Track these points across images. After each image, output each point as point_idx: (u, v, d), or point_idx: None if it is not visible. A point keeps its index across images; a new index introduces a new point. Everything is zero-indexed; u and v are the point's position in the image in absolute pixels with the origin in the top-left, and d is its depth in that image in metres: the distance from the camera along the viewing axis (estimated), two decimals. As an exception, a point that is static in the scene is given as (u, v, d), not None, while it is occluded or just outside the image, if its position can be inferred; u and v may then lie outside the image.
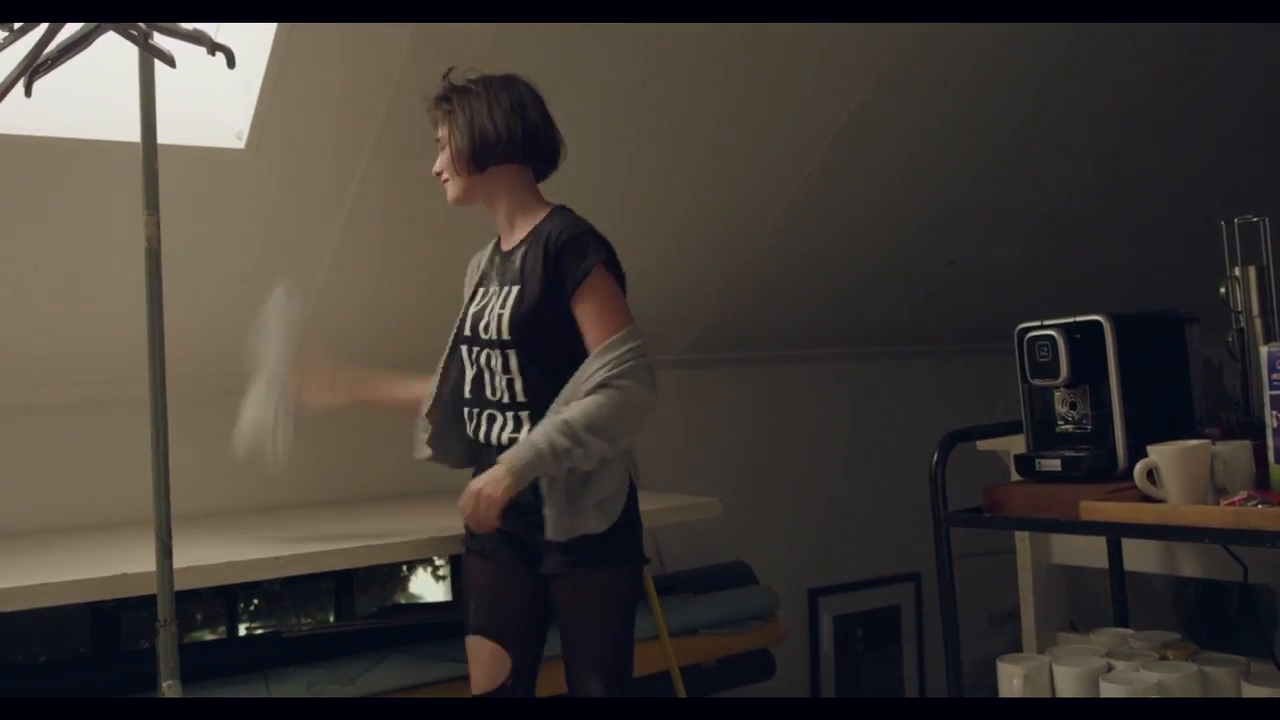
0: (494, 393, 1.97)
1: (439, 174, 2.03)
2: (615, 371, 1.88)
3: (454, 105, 1.99)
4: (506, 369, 1.95)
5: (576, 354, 1.91)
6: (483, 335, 1.96)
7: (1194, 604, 3.41)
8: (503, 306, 1.95)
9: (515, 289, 1.95)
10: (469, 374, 2.01)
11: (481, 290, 2.03)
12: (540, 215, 2.00)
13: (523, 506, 1.92)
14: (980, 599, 3.64)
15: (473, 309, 2.01)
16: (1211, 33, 2.93)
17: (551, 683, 2.06)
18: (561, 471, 1.88)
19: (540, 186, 2.07)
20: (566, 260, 1.92)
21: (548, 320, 1.92)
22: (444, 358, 2.06)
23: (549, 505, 1.90)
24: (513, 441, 1.92)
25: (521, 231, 2.01)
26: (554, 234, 1.94)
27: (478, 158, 1.97)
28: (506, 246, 2.03)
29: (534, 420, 1.92)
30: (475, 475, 1.96)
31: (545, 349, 1.93)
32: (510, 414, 1.95)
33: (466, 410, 2.02)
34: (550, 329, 1.92)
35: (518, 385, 1.94)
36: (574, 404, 1.88)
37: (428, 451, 2.10)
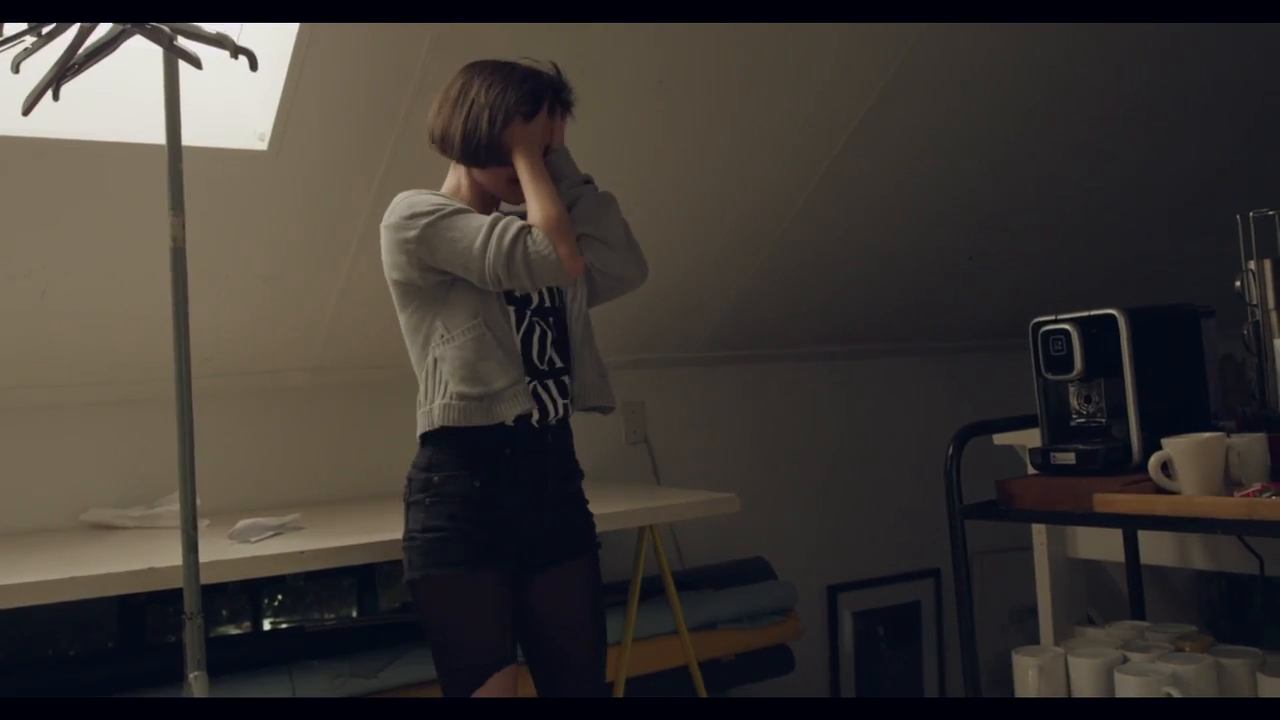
0: (544, 360, 1.91)
1: None
2: None
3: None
4: (560, 337, 1.94)
5: None
6: (535, 301, 1.92)
7: (1217, 599, 3.41)
8: None
9: None
10: (519, 340, 1.89)
11: None
12: None
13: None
14: (1001, 595, 3.65)
15: None
16: (1228, 28, 2.92)
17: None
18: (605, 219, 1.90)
19: None
20: None
21: None
22: (507, 318, 1.88)
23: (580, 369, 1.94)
24: (566, 411, 1.93)
25: None
26: None
27: None
28: None
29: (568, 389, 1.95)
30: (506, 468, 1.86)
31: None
32: (556, 382, 1.92)
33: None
34: None
35: (557, 354, 1.93)
36: None
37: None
